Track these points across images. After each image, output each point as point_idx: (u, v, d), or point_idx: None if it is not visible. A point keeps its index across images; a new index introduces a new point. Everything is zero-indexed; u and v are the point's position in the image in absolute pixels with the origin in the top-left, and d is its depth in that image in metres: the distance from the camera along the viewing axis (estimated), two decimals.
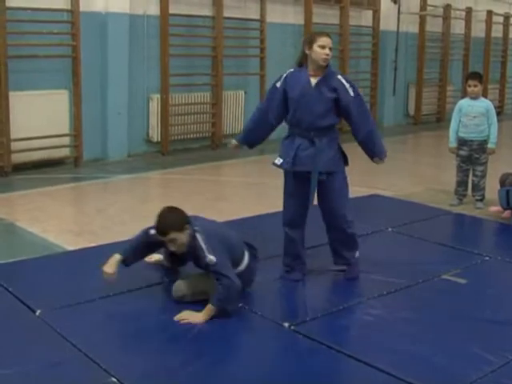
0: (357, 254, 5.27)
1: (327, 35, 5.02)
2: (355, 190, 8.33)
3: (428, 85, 16.15)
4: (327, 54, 4.91)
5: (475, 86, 7.85)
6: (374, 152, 5.19)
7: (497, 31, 18.21)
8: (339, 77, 5.02)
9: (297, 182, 5.10)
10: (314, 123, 4.96)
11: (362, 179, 9.54)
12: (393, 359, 3.95)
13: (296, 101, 4.99)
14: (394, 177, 9.85)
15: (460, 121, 7.89)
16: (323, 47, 4.91)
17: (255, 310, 4.59)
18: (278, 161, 5.15)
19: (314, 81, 4.97)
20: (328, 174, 5.02)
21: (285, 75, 5.12)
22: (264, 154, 11.72)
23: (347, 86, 4.96)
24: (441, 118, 16.30)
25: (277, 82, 5.16)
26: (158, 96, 10.84)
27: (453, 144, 7.98)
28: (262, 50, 12.23)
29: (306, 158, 4.97)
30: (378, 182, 9.26)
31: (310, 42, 4.98)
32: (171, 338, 4.20)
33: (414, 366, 3.89)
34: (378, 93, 14.93)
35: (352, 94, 4.95)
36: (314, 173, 4.96)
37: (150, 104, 10.89)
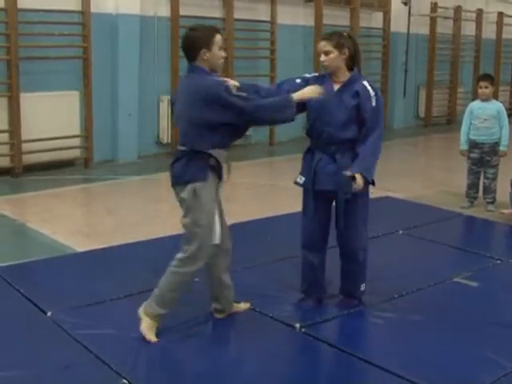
0: (363, 286, 4.81)
1: (324, 39, 4.56)
2: None
3: (438, 87, 16.10)
4: (322, 60, 4.52)
5: (486, 87, 7.82)
6: (359, 166, 4.43)
7: (508, 33, 18.13)
8: (365, 82, 4.55)
9: (318, 202, 4.66)
10: (335, 135, 4.51)
11: None
12: (404, 362, 3.94)
13: (315, 109, 4.57)
14: (405, 179, 9.83)
15: (471, 123, 7.86)
16: (319, 54, 4.54)
17: (266, 311, 4.58)
18: (300, 179, 4.74)
19: (336, 87, 4.56)
20: (351, 194, 4.52)
21: (308, 76, 4.69)
22: (273, 156, 11.76)
23: (372, 93, 4.51)
24: (451, 120, 16.25)
25: (297, 78, 4.68)
26: (169, 97, 10.83)
27: (464, 146, 7.95)
28: (273, 51, 12.23)
29: (327, 175, 4.55)
30: (389, 184, 9.22)
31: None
32: (182, 339, 4.19)
33: (425, 369, 3.87)
34: (389, 95, 14.90)
35: (374, 104, 4.49)
36: (341, 193, 4.52)
37: (161, 105, 10.90)
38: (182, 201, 4.29)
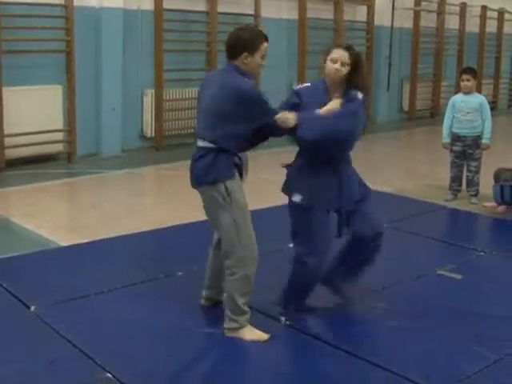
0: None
1: (345, 49, 4.29)
2: None
3: (422, 80, 16.13)
4: (336, 69, 4.25)
5: (468, 80, 7.85)
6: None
7: (491, 26, 18.19)
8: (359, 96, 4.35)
9: (321, 216, 4.42)
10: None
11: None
12: (389, 354, 3.97)
13: None
14: (388, 172, 9.86)
15: (453, 116, 7.89)
16: (334, 61, 4.26)
17: (251, 304, 4.57)
18: (297, 197, 4.43)
19: (335, 100, 4.32)
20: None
21: (298, 88, 4.47)
22: (257, 150, 11.73)
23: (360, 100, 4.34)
24: (435, 114, 16.29)
25: (288, 98, 4.44)
26: (153, 91, 10.81)
27: (446, 140, 7.98)
28: None
29: (332, 192, 4.39)
30: (372, 177, 9.19)
31: (325, 54, 4.36)
32: (166, 334, 4.19)
33: (409, 360, 3.90)
34: (372, 88, 14.91)
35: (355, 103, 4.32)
36: (344, 210, 4.42)
37: (144, 99, 10.86)
38: (211, 200, 4.20)
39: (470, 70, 8.12)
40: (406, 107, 15.96)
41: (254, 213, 6.95)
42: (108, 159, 10.07)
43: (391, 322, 4.43)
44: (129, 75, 10.54)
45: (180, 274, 5.16)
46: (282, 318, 4.38)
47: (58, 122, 9.73)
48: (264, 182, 9.10)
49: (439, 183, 8.52)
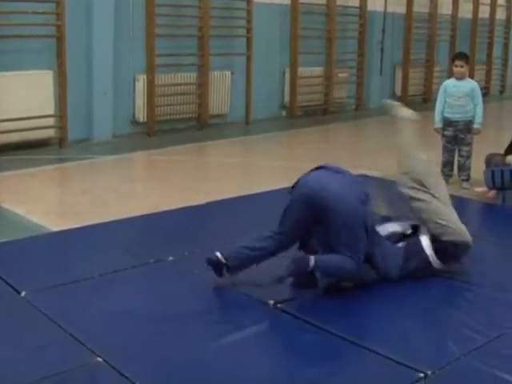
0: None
1: None
2: None
3: (415, 65, 16.14)
4: None
5: (461, 66, 7.86)
6: None
7: (484, 12, 18.19)
8: None
9: None
10: None
11: (348, 159, 9.54)
12: (379, 337, 3.99)
13: None
14: (380, 157, 9.84)
15: (445, 101, 7.90)
16: None
17: (240, 288, 4.59)
18: None
19: None
20: None
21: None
22: (249, 134, 11.75)
23: None
24: (427, 99, 16.29)
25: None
26: (144, 76, 10.77)
27: (438, 124, 7.99)
28: (249, 30, 12.17)
29: None
30: (365, 161, 9.27)
31: None
32: (157, 318, 4.19)
33: (399, 343, 3.90)
34: (365, 73, 14.92)
35: None
36: None
37: (136, 84, 10.82)
38: None
39: (462, 56, 8.13)
40: (398, 92, 15.96)
41: (248, 197, 7.02)
42: (99, 144, 10.04)
43: (380, 305, 4.44)
44: (120, 60, 10.50)
45: (171, 258, 5.15)
46: (271, 302, 4.38)
47: (49, 108, 9.69)
48: (255, 167, 9.13)
49: None
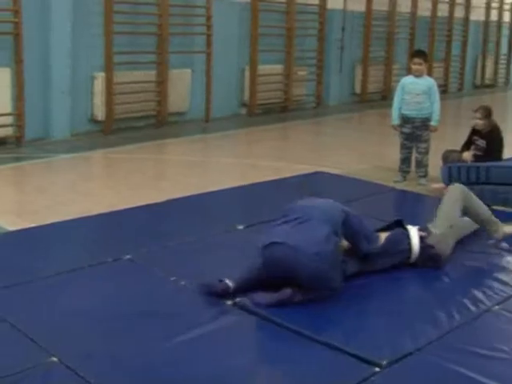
0: None
1: None
2: (299, 168, 8.42)
3: (374, 63, 16.26)
4: None
5: (420, 64, 7.93)
6: None
7: (442, 10, 18.38)
8: None
9: None
10: None
11: (307, 156, 9.61)
12: (335, 332, 4.01)
13: None
14: (339, 154, 9.92)
15: (403, 98, 7.96)
16: None
17: (197, 286, 4.58)
18: None
19: None
20: None
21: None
22: (208, 133, 11.75)
23: None
24: (386, 96, 16.39)
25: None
26: (103, 74, 10.69)
27: (395, 121, 8.06)
28: (209, 27, 12.13)
29: None
30: (323, 159, 9.32)
31: None
32: (113, 316, 4.17)
33: (354, 337, 3.94)
34: (325, 71, 14.98)
35: None
36: None
37: (94, 82, 10.73)
38: None
39: (421, 54, 8.21)
40: (358, 90, 16.08)
41: (206, 195, 7.02)
42: (57, 143, 9.94)
43: (338, 300, 4.45)
44: (78, 58, 10.41)
45: (128, 257, 5.13)
46: (229, 302, 4.38)
47: (6, 106, 9.57)
48: (213, 165, 9.13)
49: (389, 165, 8.60)
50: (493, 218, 5.52)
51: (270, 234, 4.46)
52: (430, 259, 4.98)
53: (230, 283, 4.40)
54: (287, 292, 4.33)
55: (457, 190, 5.45)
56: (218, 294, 4.38)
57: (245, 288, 4.45)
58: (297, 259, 4.26)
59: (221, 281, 4.41)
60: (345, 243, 4.70)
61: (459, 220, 5.40)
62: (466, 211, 5.39)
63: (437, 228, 5.09)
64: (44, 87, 10.08)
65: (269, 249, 4.40)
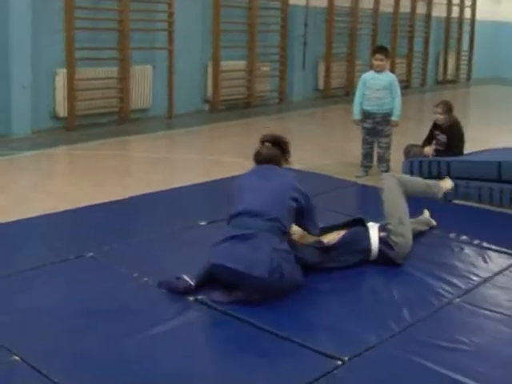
0: None
1: None
2: None
3: (337, 59, 16.31)
4: None
5: (381, 60, 7.99)
6: None
7: (404, 6, 18.48)
8: None
9: None
10: None
11: None
12: (298, 327, 4.02)
13: None
14: (302, 150, 9.90)
15: (364, 94, 8.02)
16: None
17: (159, 283, 4.57)
18: None
19: None
20: None
21: None
22: (171, 129, 11.71)
23: None
24: (349, 92, 16.42)
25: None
26: (64, 70, 10.59)
27: (356, 116, 8.11)
28: (170, 23, 12.09)
29: None
30: None
31: None
32: (75, 314, 4.14)
33: (317, 332, 3.98)
34: (288, 67, 15.00)
35: None
36: None
37: (56, 79, 10.62)
38: None
39: (382, 50, 8.27)
40: (321, 86, 16.12)
41: (169, 192, 7.00)
42: (18, 140, 9.81)
43: (301, 295, 4.48)
44: (39, 54, 10.29)
45: (90, 254, 5.10)
46: (191, 298, 4.37)
47: None
48: (177, 161, 9.11)
49: (352, 160, 8.65)
50: (429, 183, 5.64)
51: (218, 251, 4.42)
52: (388, 260, 5.02)
53: (190, 280, 4.39)
54: (244, 292, 4.35)
55: (389, 182, 5.47)
56: (180, 292, 4.38)
57: (204, 283, 4.46)
58: (251, 283, 4.28)
59: (178, 278, 4.42)
60: (296, 229, 4.73)
61: (411, 218, 5.45)
62: (406, 194, 5.39)
63: (394, 226, 5.12)
64: (4, 83, 9.94)
65: (218, 268, 4.39)
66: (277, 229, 4.43)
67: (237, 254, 4.30)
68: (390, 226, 5.11)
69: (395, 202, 5.27)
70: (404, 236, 5.09)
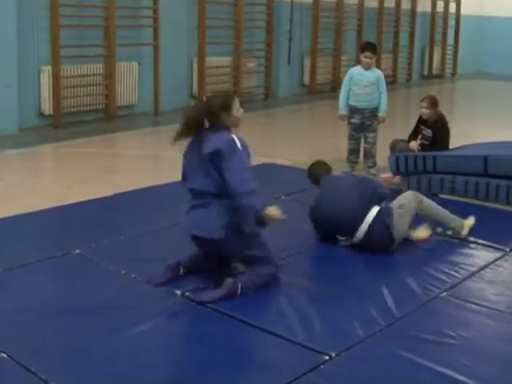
0: None
1: None
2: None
3: (323, 54, 16.33)
4: None
5: (371, 57, 8.02)
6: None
7: (389, 2, 18.50)
8: None
9: None
10: None
11: (257, 148, 9.59)
12: (286, 323, 4.04)
13: None
14: (288, 145, 9.95)
15: (351, 89, 8.03)
16: None
17: (148, 279, 4.57)
18: None
19: None
20: None
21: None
22: (158, 126, 11.69)
23: None
24: (335, 88, 16.42)
25: None
26: (49, 68, 10.56)
27: (342, 111, 8.13)
28: (156, 19, 12.06)
29: None
30: (274, 150, 9.34)
31: None
32: (63, 311, 4.15)
33: (305, 327, 3.98)
34: (273, 63, 15.00)
35: None
36: None
37: (41, 76, 10.59)
38: None
39: (371, 46, 8.27)
40: (306, 81, 16.13)
41: (156, 188, 7.00)
42: (4, 138, 9.76)
43: (289, 291, 4.50)
44: (24, 52, 10.25)
45: (78, 251, 5.10)
46: (178, 292, 4.39)
47: None
48: (163, 158, 9.09)
49: (338, 155, 8.66)
50: (450, 215, 5.62)
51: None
52: (382, 240, 5.17)
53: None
54: (229, 282, 4.36)
55: (407, 194, 5.64)
56: (168, 277, 4.54)
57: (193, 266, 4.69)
58: (219, 246, 4.49)
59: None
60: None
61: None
62: (423, 214, 5.55)
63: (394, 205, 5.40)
64: None
65: (194, 240, 4.62)
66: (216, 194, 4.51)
67: (197, 221, 4.51)
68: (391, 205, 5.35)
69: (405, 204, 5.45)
70: (403, 208, 5.31)
